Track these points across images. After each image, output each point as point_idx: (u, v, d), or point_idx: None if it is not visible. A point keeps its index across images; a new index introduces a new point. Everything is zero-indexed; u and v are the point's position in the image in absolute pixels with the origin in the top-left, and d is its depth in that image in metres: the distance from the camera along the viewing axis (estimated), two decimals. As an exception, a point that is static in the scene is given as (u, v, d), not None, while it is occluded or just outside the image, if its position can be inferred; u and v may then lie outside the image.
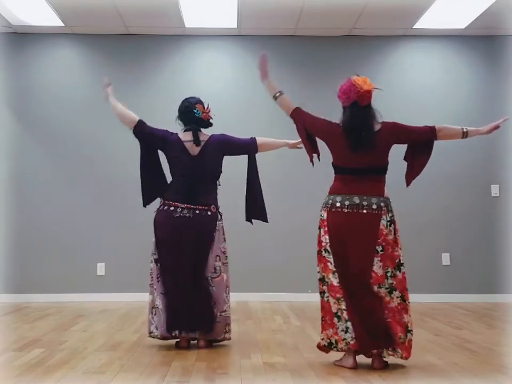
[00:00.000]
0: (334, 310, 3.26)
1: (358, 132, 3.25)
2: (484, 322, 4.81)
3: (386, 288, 3.20)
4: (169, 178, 3.90)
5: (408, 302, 3.24)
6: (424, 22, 6.06)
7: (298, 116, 3.45)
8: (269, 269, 6.15)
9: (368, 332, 3.17)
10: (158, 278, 3.77)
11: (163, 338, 3.78)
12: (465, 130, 3.36)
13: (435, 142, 3.36)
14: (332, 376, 3.10)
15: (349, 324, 3.21)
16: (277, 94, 3.50)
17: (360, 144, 3.24)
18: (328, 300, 3.28)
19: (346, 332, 3.23)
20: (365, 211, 3.24)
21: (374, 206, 3.24)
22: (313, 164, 3.45)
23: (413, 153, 3.40)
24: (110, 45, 6.37)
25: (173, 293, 3.72)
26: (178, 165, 3.81)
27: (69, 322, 4.82)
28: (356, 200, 3.25)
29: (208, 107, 3.92)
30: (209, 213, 3.78)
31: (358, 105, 3.27)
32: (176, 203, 3.76)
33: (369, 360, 3.27)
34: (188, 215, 3.74)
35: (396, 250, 3.26)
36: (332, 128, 3.35)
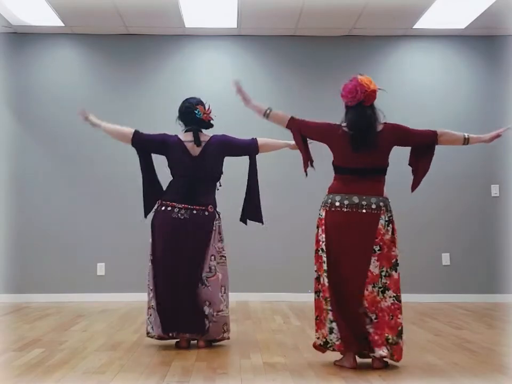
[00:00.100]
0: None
1: (364, 132, 3.24)
2: (484, 322, 4.81)
3: (380, 288, 3.21)
4: (165, 185, 3.89)
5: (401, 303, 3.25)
6: (424, 22, 6.06)
7: (294, 125, 3.43)
8: (269, 269, 6.15)
9: (354, 334, 3.18)
10: (153, 278, 3.77)
11: (160, 338, 3.79)
12: (466, 136, 3.36)
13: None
14: (332, 376, 3.10)
15: (333, 324, 3.23)
16: (267, 112, 3.44)
17: (363, 144, 3.24)
18: (321, 298, 3.30)
19: (331, 332, 3.24)
20: (364, 211, 3.24)
21: (373, 206, 3.24)
22: (306, 175, 3.43)
23: (416, 157, 3.40)
24: (110, 45, 6.38)
25: (166, 294, 3.71)
26: (179, 165, 3.81)
27: (69, 322, 4.82)
28: (355, 199, 3.25)
29: (209, 108, 3.92)
30: (206, 213, 3.78)
31: (363, 105, 3.27)
32: (173, 203, 3.75)
33: (369, 360, 3.27)
34: (185, 216, 3.74)
35: (392, 250, 3.26)
36: (332, 129, 3.34)
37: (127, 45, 6.37)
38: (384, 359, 3.21)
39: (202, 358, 3.48)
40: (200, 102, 3.91)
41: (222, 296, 3.79)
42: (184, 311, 3.69)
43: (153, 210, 3.84)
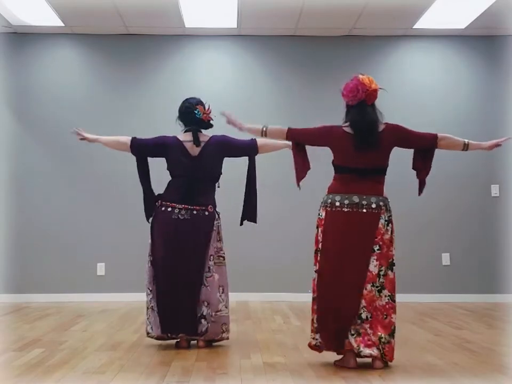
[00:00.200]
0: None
1: (366, 131, 3.24)
2: (484, 322, 4.80)
3: (377, 287, 3.21)
4: (162, 187, 3.89)
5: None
6: (424, 22, 6.05)
7: (292, 137, 3.43)
8: (269, 269, 6.15)
9: (335, 333, 3.19)
10: (153, 279, 3.77)
11: (159, 338, 3.79)
12: (466, 142, 3.37)
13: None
14: (332, 376, 3.10)
15: (316, 324, 3.26)
16: (264, 130, 3.44)
17: (366, 143, 3.24)
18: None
19: (316, 332, 3.27)
20: (364, 210, 3.24)
21: (373, 206, 3.24)
22: (299, 188, 3.43)
23: (418, 160, 3.40)
24: (110, 45, 6.37)
25: (166, 295, 3.71)
26: (178, 165, 3.80)
27: (69, 322, 4.82)
28: (356, 199, 3.25)
29: (209, 108, 3.91)
30: (206, 213, 3.78)
31: (365, 104, 3.27)
32: (173, 203, 3.75)
33: (369, 360, 3.27)
34: (185, 216, 3.73)
35: (390, 250, 3.27)
36: (331, 130, 3.34)
37: (127, 45, 6.37)
38: (375, 359, 3.20)
39: (202, 358, 3.48)
40: (200, 102, 3.90)
41: (220, 296, 3.78)
42: (184, 312, 3.69)
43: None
